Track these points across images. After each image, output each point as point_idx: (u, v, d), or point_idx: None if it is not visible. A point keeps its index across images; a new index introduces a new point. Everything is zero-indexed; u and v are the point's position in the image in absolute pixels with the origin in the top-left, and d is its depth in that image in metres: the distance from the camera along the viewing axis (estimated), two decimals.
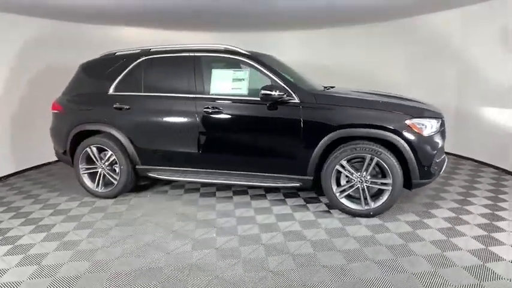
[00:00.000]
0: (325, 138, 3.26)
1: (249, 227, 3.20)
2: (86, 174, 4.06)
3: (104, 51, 4.20)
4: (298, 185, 3.50)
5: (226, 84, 3.59)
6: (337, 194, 3.34)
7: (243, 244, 2.89)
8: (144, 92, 3.82)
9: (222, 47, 3.74)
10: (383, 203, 3.24)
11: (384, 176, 3.26)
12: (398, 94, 3.99)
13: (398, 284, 2.30)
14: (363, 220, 3.28)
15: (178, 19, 5.57)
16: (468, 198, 3.74)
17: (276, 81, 3.44)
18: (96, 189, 4.03)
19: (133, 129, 3.82)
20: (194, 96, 3.61)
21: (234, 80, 3.58)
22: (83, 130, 3.96)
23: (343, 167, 3.28)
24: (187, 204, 3.81)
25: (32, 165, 5.43)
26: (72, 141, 4.02)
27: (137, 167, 3.92)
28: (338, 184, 3.38)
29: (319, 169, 3.38)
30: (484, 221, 3.20)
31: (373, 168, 3.25)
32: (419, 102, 3.62)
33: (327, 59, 6.72)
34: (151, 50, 3.94)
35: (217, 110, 3.51)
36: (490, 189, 4.01)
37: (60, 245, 2.96)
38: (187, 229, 3.19)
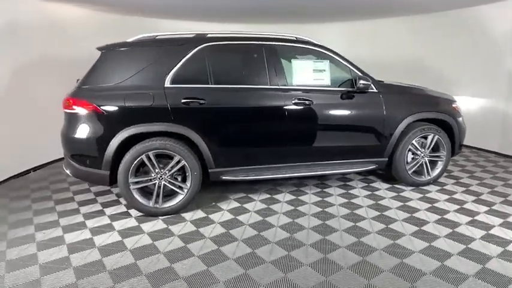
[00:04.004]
0: (403, 122, 3.74)
1: (349, 212, 3.39)
2: (135, 190, 3.19)
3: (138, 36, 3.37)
4: (374, 167, 3.85)
5: (309, 75, 3.57)
6: (408, 170, 3.90)
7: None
8: (214, 84, 3.33)
9: (293, 37, 3.67)
10: (439, 171, 4.01)
11: (434, 150, 4.02)
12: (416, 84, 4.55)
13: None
14: (427, 188, 3.96)
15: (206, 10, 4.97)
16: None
17: (355, 72, 3.66)
18: (155, 206, 3.24)
19: (208, 128, 3.29)
20: (281, 87, 3.42)
21: (315, 70, 3.59)
22: (136, 133, 3.10)
23: (412, 145, 3.86)
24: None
25: None
26: (117, 149, 3.09)
27: (210, 171, 3.38)
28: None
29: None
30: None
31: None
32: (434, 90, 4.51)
33: (366, 52, 6.58)
34: (209, 35, 3.46)
35: (306, 101, 3.45)
36: None
37: None
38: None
